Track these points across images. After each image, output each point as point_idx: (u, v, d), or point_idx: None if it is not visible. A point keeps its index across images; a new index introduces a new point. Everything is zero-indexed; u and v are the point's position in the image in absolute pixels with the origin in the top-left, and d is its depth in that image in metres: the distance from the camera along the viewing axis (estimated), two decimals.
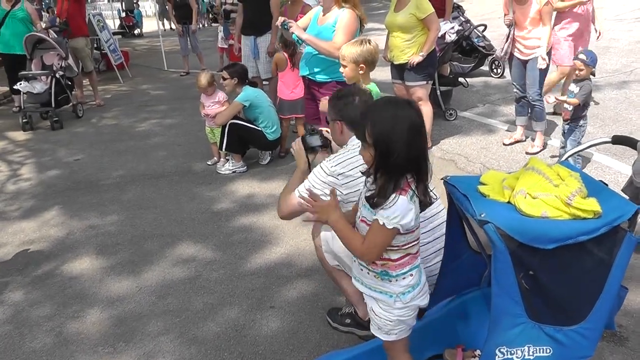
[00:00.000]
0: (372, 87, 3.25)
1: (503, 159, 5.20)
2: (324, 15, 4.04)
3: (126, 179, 5.39)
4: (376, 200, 1.81)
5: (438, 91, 6.44)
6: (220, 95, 5.38)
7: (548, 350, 1.84)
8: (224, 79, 5.25)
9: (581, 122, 4.40)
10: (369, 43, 3.27)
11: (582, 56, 4.31)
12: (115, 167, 5.75)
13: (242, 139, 5.26)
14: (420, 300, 2.01)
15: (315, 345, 2.86)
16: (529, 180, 1.89)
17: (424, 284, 2.04)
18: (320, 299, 3.24)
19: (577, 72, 4.33)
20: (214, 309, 3.22)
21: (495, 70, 8.40)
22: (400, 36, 5.11)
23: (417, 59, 5.07)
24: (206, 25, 20.81)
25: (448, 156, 5.41)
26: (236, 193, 4.87)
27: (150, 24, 20.57)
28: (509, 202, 1.90)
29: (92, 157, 6.15)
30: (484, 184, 2.00)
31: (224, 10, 9.27)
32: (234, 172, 5.29)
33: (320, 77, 4.08)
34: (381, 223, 1.80)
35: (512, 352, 1.83)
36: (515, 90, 5.43)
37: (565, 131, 4.50)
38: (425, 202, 1.85)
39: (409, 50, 5.13)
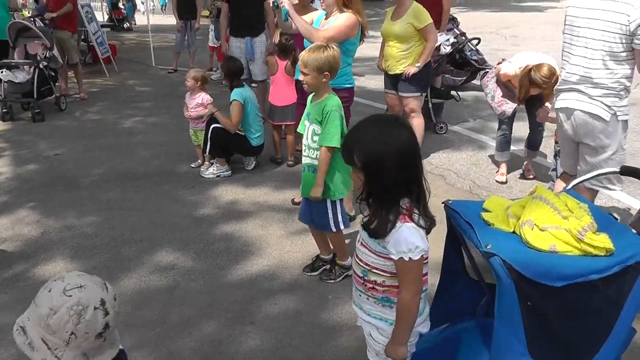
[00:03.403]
0: (332, 98, 3.11)
1: (493, 177, 5.12)
2: (326, 19, 3.95)
3: (107, 177, 5.20)
4: (373, 227, 1.72)
5: (430, 104, 6.36)
6: (204, 97, 5.22)
7: None
8: (222, 68, 5.25)
9: None
10: (332, 49, 3.07)
11: None
12: (96, 164, 5.56)
13: (225, 144, 5.12)
14: (422, 327, 1.93)
15: None
16: (536, 210, 1.78)
17: (427, 313, 1.95)
18: (302, 316, 3.12)
19: None
20: (191, 322, 3.07)
21: None
22: (397, 46, 5.01)
23: (412, 70, 4.98)
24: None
25: (437, 171, 5.31)
26: (219, 199, 4.71)
27: (142, 18, 20.28)
28: (513, 232, 1.79)
29: (73, 152, 5.95)
30: (487, 211, 1.89)
31: (217, 8, 9.08)
32: (218, 176, 5.14)
33: None
34: (407, 259, 1.70)
35: None
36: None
37: (557, 153, 4.42)
38: (428, 227, 1.75)
39: (405, 60, 5.04)
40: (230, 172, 5.21)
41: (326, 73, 3.04)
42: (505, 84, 4.86)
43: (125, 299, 3.25)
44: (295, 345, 2.87)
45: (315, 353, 2.82)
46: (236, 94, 5.05)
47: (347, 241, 3.59)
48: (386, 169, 1.65)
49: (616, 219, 1.84)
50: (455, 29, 8.21)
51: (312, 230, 3.52)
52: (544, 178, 4.98)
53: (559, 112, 3.33)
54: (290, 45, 5.35)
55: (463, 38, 8.17)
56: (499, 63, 5.03)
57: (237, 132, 5.11)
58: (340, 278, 3.43)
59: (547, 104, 4.73)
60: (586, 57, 3.07)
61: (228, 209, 4.51)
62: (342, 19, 3.80)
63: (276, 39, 5.49)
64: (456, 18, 8.31)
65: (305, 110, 3.27)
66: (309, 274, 3.52)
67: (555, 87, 3.49)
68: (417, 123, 5.44)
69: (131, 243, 3.92)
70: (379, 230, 1.70)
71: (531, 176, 5.07)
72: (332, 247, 3.50)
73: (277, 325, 3.04)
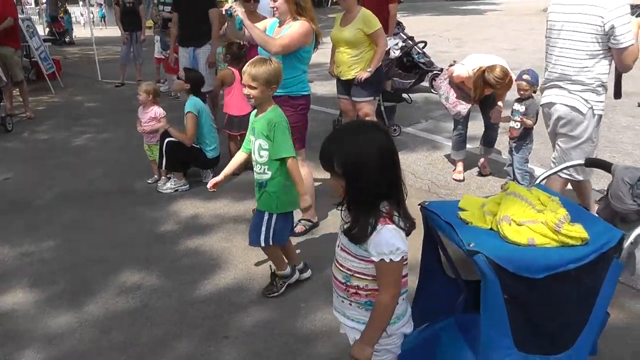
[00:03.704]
0: (275, 110, 3.11)
1: (450, 175, 5.23)
2: (279, 27, 3.93)
3: (61, 199, 5.01)
4: (354, 233, 1.72)
5: (382, 107, 6.45)
6: (157, 111, 5.12)
7: None
8: (178, 78, 5.07)
9: (528, 139, 4.49)
10: (275, 62, 3.07)
11: (525, 76, 4.40)
12: (49, 186, 5.33)
13: (181, 158, 5.03)
14: (406, 327, 1.92)
15: None
16: (512, 206, 1.83)
17: (409, 313, 1.95)
18: (276, 326, 3.09)
19: (521, 92, 4.42)
20: (163, 342, 2.98)
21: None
22: (348, 52, 5.06)
23: (365, 75, 5.04)
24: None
25: None
26: (180, 213, 4.62)
27: (82, 30, 19.71)
28: (491, 229, 1.83)
29: (24, 175, 5.69)
30: (463, 210, 1.93)
31: (162, 18, 8.93)
32: (176, 190, 5.04)
33: None
34: (388, 260, 1.70)
35: None
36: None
37: (513, 149, 4.57)
38: (408, 228, 1.76)
39: (357, 66, 5.09)
40: (188, 185, 5.12)
41: (273, 86, 3.06)
42: (458, 85, 4.98)
43: (92, 324, 3.14)
44: (273, 357, 2.83)
45: None
46: (190, 105, 4.97)
47: (297, 251, 3.64)
48: (367, 173, 1.66)
49: (586, 209, 1.91)
50: (401, 33, 8.38)
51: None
52: (499, 174, 5.13)
53: (543, 108, 3.63)
54: (243, 53, 5.33)
55: (410, 42, 8.34)
56: (450, 65, 5.15)
57: (193, 144, 5.03)
58: (283, 289, 3.40)
59: (499, 103, 4.89)
60: (566, 56, 3.37)
61: (189, 223, 4.43)
62: (296, 27, 3.80)
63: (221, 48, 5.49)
64: (401, 22, 8.48)
65: (250, 126, 3.23)
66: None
67: (540, 86, 3.80)
68: None
69: (93, 265, 3.78)
70: (360, 235, 1.71)
71: (487, 173, 5.21)
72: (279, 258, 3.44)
73: (251, 338, 2.99)
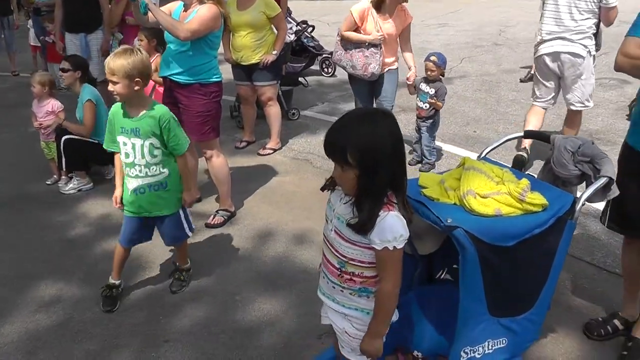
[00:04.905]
0: (159, 107, 2.93)
1: None
2: (185, 11, 3.74)
3: None
4: (365, 225, 1.66)
5: (280, 91, 6.43)
6: (54, 104, 4.69)
7: (504, 342, 1.90)
8: (64, 71, 4.62)
9: (436, 118, 4.74)
10: (139, 52, 2.79)
11: (433, 57, 4.60)
12: None
13: (82, 155, 4.67)
14: (394, 316, 1.91)
15: None
16: (473, 180, 1.92)
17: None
18: (216, 323, 3.00)
19: (428, 72, 4.61)
20: (100, 355, 2.76)
21: (326, 70, 8.67)
22: (251, 35, 5.00)
23: (270, 57, 5.04)
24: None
25: (302, 156, 5.41)
26: (89, 215, 4.28)
27: None
28: (454, 204, 1.91)
29: None
30: (424, 187, 1.98)
31: (34, 5, 8.10)
32: (79, 190, 4.67)
33: (183, 79, 3.76)
34: (391, 248, 1.67)
35: (475, 349, 1.85)
36: None
37: (421, 128, 4.78)
38: (409, 217, 1.73)
39: (261, 49, 5.05)
40: (92, 184, 4.75)
41: (137, 80, 2.75)
42: (354, 43, 4.71)
43: (13, 347, 2.82)
44: (219, 354, 2.75)
45: (242, 356, 2.73)
46: (88, 92, 4.60)
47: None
48: (383, 161, 1.62)
49: (534, 177, 2.05)
50: (289, 17, 8.37)
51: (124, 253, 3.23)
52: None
53: (545, 57, 4.50)
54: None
55: (298, 27, 8.36)
56: (338, 34, 4.88)
57: (92, 139, 4.67)
58: (189, 281, 3.35)
59: (410, 70, 4.87)
60: (568, 13, 4.34)
61: (101, 224, 4.13)
62: (204, 10, 3.64)
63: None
64: (289, 7, 8.46)
65: (124, 127, 2.92)
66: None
67: (537, 41, 4.61)
68: (275, 112, 5.50)
69: (4, 283, 3.39)
70: (370, 226, 1.66)
71: None
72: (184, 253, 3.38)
73: (194, 338, 2.88)
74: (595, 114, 6.17)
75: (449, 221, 1.73)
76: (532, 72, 7.78)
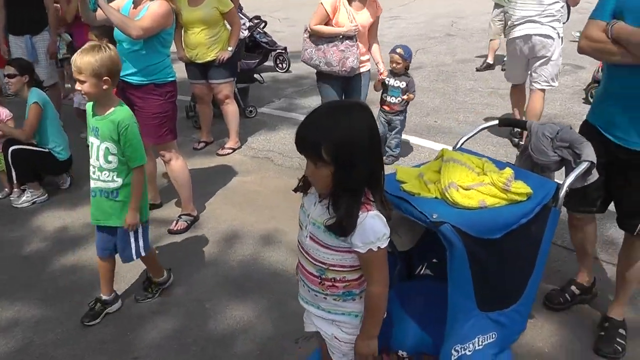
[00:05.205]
0: (123, 110, 2.77)
1: None
2: (134, 8, 3.55)
3: None
4: (345, 226, 1.56)
5: (236, 89, 6.28)
6: (2, 112, 4.41)
7: (494, 336, 1.85)
8: (10, 77, 4.35)
9: (405, 111, 4.73)
10: (108, 49, 2.62)
11: (399, 50, 4.56)
12: None
13: (32, 166, 4.41)
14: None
15: None
16: (454, 172, 1.85)
17: None
18: (186, 334, 2.86)
19: (393, 64, 4.56)
20: None
21: (280, 65, 8.54)
22: (204, 32, 4.86)
23: (226, 54, 4.94)
24: None
25: (262, 154, 5.28)
26: (45, 228, 4.02)
27: None
28: (435, 197, 1.84)
29: None
30: (403, 182, 1.91)
31: None
32: (33, 203, 4.39)
33: (136, 80, 3.58)
34: (376, 249, 1.58)
35: (465, 347, 1.80)
36: None
37: (393, 122, 4.75)
38: (387, 214, 1.64)
39: (216, 46, 4.92)
40: (46, 195, 4.48)
41: (105, 78, 2.59)
42: (329, 38, 4.30)
43: None
44: None
45: None
46: (35, 94, 4.34)
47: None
48: (360, 156, 1.52)
49: (513, 165, 2.00)
50: (240, 13, 8.20)
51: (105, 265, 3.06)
52: None
53: (516, 40, 4.73)
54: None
55: (250, 23, 8.21)
56: (306, 30, 4.77)
57: (41, 148, 4.41)
58: (157, 294, 3.20)
59: (379, 65, 4.64)
60: None
61: (59, 237, 3.88)
62: (155, 7, 3.47)
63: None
64: (240, 3, 8.30)
65: (90, 124, 2.79)
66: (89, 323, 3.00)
67: (508, 25, 4.83)
68: (233, 110, 5.37)
69: None
70: (350, 227, 1.56)
71: None
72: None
73: (165, 352, 2.74)
74: (552, 98, 6.28)
75: (434, 217, 1.66)
76: (488, 60, 8.00)
